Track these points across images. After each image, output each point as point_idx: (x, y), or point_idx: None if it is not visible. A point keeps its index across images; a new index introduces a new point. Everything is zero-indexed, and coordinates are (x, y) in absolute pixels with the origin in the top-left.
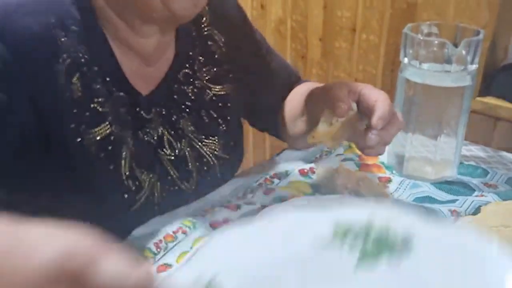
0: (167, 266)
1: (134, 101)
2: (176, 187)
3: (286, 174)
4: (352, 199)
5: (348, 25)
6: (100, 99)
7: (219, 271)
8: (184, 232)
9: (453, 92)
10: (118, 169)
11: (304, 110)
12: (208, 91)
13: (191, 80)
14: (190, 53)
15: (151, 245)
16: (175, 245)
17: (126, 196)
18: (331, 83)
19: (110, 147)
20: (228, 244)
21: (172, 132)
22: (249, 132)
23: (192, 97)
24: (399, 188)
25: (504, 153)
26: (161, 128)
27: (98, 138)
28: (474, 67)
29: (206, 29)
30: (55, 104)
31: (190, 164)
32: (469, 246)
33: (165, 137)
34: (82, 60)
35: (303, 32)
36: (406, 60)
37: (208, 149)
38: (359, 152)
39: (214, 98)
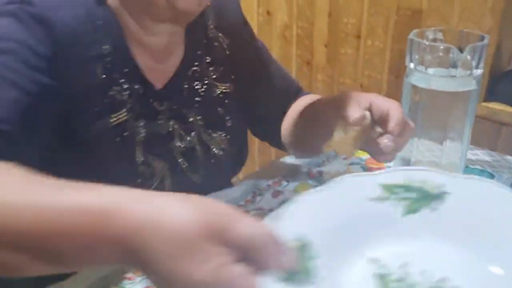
0: None
1: (148, 93)
2: (186, 178)
3: (295, 176)
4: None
5: (353, 31)
6: (118, 88)
7: (308, 232)
8: None
9: (458, 97)
10: (132, 154)
11: (308, 122)
12: (215, 88)
13: (200, 77)
14: (198, 53)
15: None
16: None
17: (139, 181)
18: (340, 93)
19: (125, 133)
20: (308, 208)
21: (183, 125)
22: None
23: (201, 93)
24: None
25: (510, 157)
26: (172, 121)
27: (115, 123)
28: (479, 71)
29: (211, 32)
30: (83, 91)
31: (199, 156)
32: (504, 196)
33: (176, 129)
34: (105, 51)
35: (309, 38)
36: (412, 65)
37: (215, 143)
38: (365, 156)
39: (221, 95)
